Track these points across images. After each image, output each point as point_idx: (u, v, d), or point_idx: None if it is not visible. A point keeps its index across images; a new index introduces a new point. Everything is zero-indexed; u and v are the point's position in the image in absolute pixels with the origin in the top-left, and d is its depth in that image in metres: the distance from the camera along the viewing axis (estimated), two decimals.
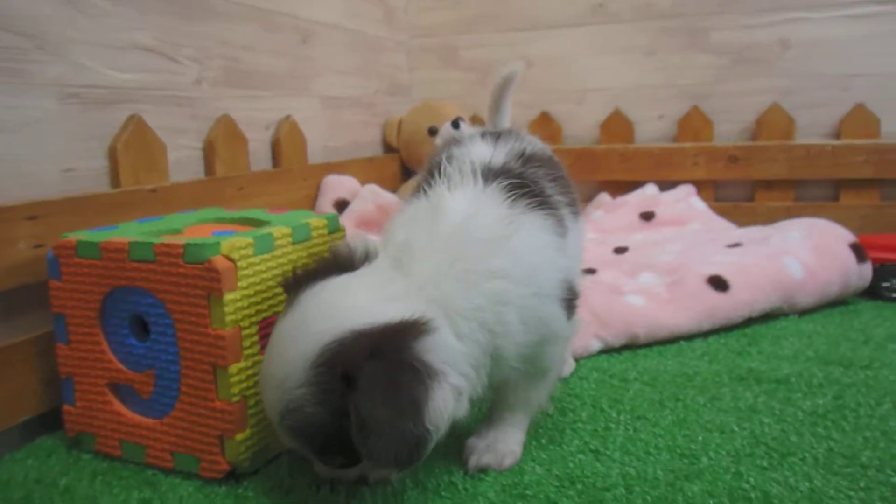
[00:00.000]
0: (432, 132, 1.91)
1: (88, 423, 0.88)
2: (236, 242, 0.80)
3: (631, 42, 2.02)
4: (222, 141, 1.35)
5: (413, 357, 0.62)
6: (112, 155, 1.12)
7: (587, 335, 1.14)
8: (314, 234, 0.93)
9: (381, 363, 0.62)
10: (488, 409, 0.85)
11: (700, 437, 0.84)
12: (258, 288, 0.82)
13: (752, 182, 1.92)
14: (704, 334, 1.22)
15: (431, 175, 0.80)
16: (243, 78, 1.44)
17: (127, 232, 0.89)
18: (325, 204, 1.62)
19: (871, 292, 1.40)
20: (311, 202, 1.65)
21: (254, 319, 0.81)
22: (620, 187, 2.00)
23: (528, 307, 0.71)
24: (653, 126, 2.04)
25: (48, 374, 0.95)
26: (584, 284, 1.19)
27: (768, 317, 1.29)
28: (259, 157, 1.50)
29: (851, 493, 0.71)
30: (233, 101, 1.41)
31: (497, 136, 0.89)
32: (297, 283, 0.73)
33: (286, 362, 0.66)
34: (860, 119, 1.81)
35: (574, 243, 0.85)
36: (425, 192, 0.78)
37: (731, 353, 1.13)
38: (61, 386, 0.90)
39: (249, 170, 1.44)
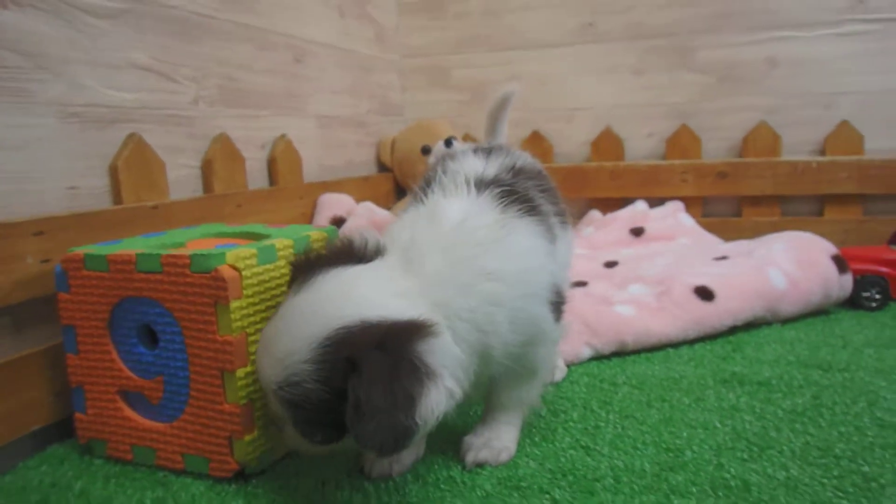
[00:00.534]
0: (425, 151, 1.99)
1: (100, 430, 0.95)
2: (241, 253, 0.87)
3: (620, 61, 2.13)
4: (220, 159, 1.42)
5: (415, 355, 0.69)
6: (113, 173, 1.18)
7: (578, 343, 1.22)
8: (315, 246, 1.00)
9: (386, 355, 0.69)
10: (483, 409, 0.93)
11: (685, 434, 0.92)
12: (263, 296, 0.89)
13: (738, 198, 2.03)
14: (691, 342, 1.30)
15: (427, 186, 0.88)
16: (239, 97, 1.52)
17: (132, 246, 0.96)
18: (322, 221, 1.70)
19: (853, 302, 1.50)
20: (308, 220, 1.73)
21: (259, 326, 0.88)
22: (611, 204, 2.10)
23: (518, 308, 0.79)
24: (642, 144, 2.14)
25: (57, 386, 1.01)
26: (576, 296, 1.29)
27: (752, 325, 1.38)
28: (255, 176, 1.57)
29: (825, 481, 0.79)
30: (229, 119, 1.48)
31: (489, 150, 0.98)
32: (309, 265, 0.80)
33: (294, 338, 0.73)
34: (844, 136, 1.92)
35: (563, 250, 0.94)
36: (422, 200, 0.86)
37: (716, 358, 1.21)
38: (72, 395, 0.96)
39: (247, 188, 1.51)
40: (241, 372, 0.86)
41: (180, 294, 0.87)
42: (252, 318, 0.87)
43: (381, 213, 1.75)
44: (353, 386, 0.67)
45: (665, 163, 2.07)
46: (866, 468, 0.82)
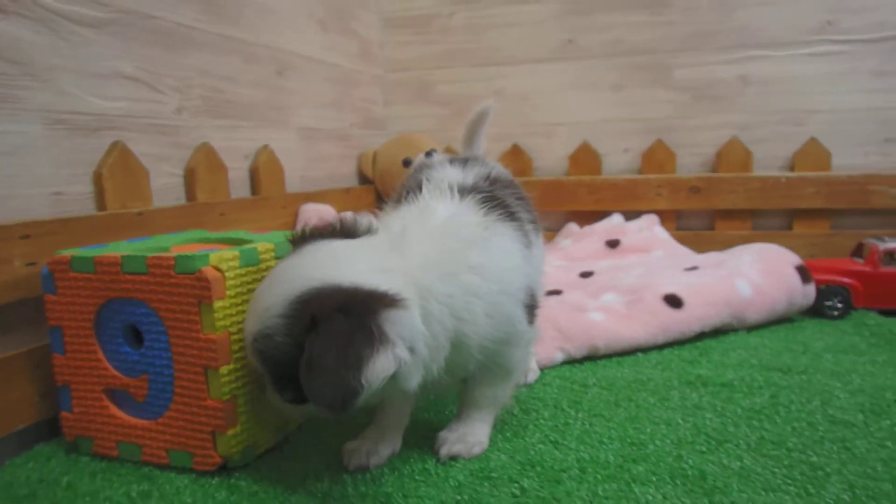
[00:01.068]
0: (406, 163, 2.06)
1: (86, 428, 0.99)
2: (224, 255, 0.93)
3: (599, 78, 2.22)
4: (203, 168, 1.48)
5: (374, 322, 0.75)
6: (97, 180, 1.22)
7: (551, 348, 1.29)
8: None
9: (345, 318, 0.75)
10: (457, 407, 0.99)
11: (648, 429, 0.99)
12: (245, 297, 0.95)
13: (711, 212, 2.12)
14: (660, 347, 1.38)
15: (409, 192, 0.95)
16: (223, 108, 1.57)
17: (118, 249, 1.01)
18: None
19: (816, 311, 1.58)
20: (290, 229, 1.77)
21: (241, 325, 0.93)
22: (588, 217, 2.18)
23: (494, 303, 0.86)
24: (619, 158, 2.23)
25: (43, 386, 1.06)
26: (551, 304, 1.35)
27: (720, 332, 1.47)
28: (238, 185, 1.63)
29: (776, 471, 0.86)
30: (213, 130, 1.53)
31: (465, 161, 1.05)
32: (303, 238, 0.88)
33: (273, 294, 0.80)
34: (813, 153, 2.03)
35: (537, 256, 1.01)
36: (410, 202, 0.93)
37: (683, 362, 1.29)
38: (58, 394, 1.01)
39: (229, 197, 1.56)
40: (224, 369, 0.91)
41: (165, 294, 0.92)
42: (235, 318, 0.93)
43: None
44: (310, 342, 0.74)
45: (641, 177, 2.16)
46: (815, 458, 0.89)
